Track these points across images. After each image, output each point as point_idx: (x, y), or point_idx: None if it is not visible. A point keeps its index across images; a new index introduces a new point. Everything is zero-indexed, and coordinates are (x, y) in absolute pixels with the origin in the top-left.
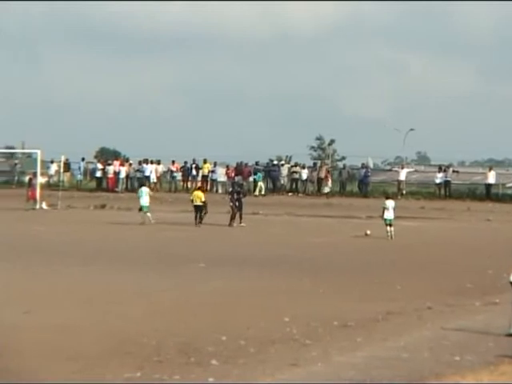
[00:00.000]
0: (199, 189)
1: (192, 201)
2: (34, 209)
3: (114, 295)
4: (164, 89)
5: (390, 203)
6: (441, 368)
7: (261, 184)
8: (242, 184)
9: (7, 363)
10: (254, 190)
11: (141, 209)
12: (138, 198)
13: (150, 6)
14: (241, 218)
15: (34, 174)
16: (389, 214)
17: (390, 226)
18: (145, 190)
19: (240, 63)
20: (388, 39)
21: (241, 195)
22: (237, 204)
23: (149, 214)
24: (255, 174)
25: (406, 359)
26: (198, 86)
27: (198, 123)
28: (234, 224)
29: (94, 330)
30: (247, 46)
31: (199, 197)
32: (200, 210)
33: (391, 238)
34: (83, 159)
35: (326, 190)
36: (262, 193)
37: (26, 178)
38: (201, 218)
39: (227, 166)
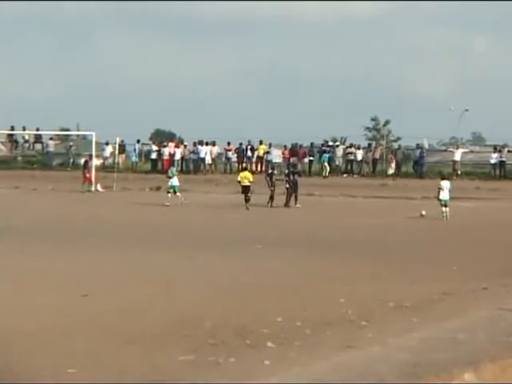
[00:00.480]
0: (246, 169)
1: (239, 182)
2: (89, 191)
3: (171, 277)
4: (220, 71)
5: (446, 184)
6: (497, 350)
7: (326, 165)
8: (297, 165)
9: (64, 346)
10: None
11: (171, 190)
12: (170, 177)
13: None
14: (296, 199)
15: (90, 156)
16: (444, 195)
17: (446, 206)
18: (174, 170)
19: (298, 44)
20: (449, 19)
21: (296, 176)
22: (292, 185)
23: (179, 194)
24: (321, 155)
25: (461, 340)
26: (255, 68)
27: (254, 105)
28: (291, 205)
29: (152, 313)
30: (305, 28)
31: (247, 177)
32: (248, 190)
33: (446, 218)
34: (138, 141)
35: (390, 171)
36: (327, 174)
37: (82, 161)
38: (248, 199)
39: (285, 147)
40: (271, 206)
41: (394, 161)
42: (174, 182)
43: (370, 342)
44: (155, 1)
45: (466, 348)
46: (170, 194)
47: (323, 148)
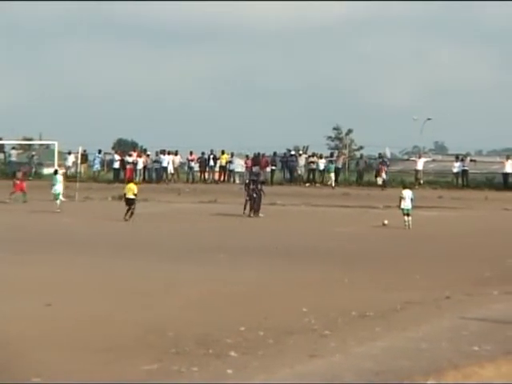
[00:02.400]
0: (131, 181)
1: (124, 194)
2: (24, 201)
3: (135, 287)
4: (182, 81)
5: (407, 193)
6: (459, 358)
7: (332, 175)
8: (259, 174)
9: (28, 355)
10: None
11: (58, 196)
12: (52, 185)
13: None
14: (259, 208)
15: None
16: (406, 204)
17: (408, 215)
18: (59, 177)
19: (259, 54)
20: (409, 28)
21: (259, 185)
22: (254, 195)
23: (58, 202)
24: (328, 166)
25: (424, 349)
26: (216, 78)
27: (216, 114)
28: (252, 214)
29: (116, 323)
30: (267, 38)
31: (132, 189)
32: (132, 203)
33: (409, 227)
34: (100, 151)
35: (380, 181)
36: (333, 185)
37: (45, 170)
38: (131, 213)
39: (247, 156)
40: (249, 216)
41: (384, 171)
42: (58, 188)
43: (332, 351)
44: (120, 10)
45: (429, 356)
46: (58, 201)
47: (285, 158)
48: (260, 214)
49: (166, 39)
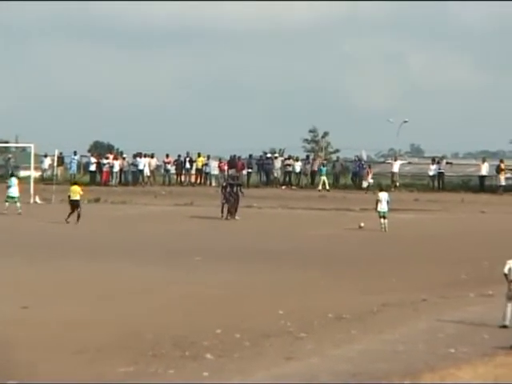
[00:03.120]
0: (76, 183)
1: (69, 196)
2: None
3: (110, 290)
4: (157, 83)
5: (384, 195)
6: (436, 360)
7: (324, 179)
8: (237, 177)
9: (5, 356)
10: (312, 183)
11: (10, 200)
12: (8, 187)
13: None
14: (236, 211)
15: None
16: (382, 207)
17: (384, 218)
18: (14, 180)
19: (235, 56)
20: (385, 30)
21: (236, 188)
22: (231, 198)
23: (18, 205)
24: (320, 168)
25: (401, 352)
26: (192, 79)
27: (192, 117)
28: (229, 217)
29: (94, 325)
30: (242, 39)
31: (76, 191)
32: (78, 205)
33: (385, 230)
34: (75, 153)
35: (365, 184)
36: (327, 188)
37: (21, 173)
38: (78, 215)
39: (219, 160)
40: (226, 219)
41: (370, 174)
42: (14, 192)
43: (309, 354)
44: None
45: (406, 359)
46: (7, 204)
47: (261, 161)
48: (236, 217)
49: (141, 40)
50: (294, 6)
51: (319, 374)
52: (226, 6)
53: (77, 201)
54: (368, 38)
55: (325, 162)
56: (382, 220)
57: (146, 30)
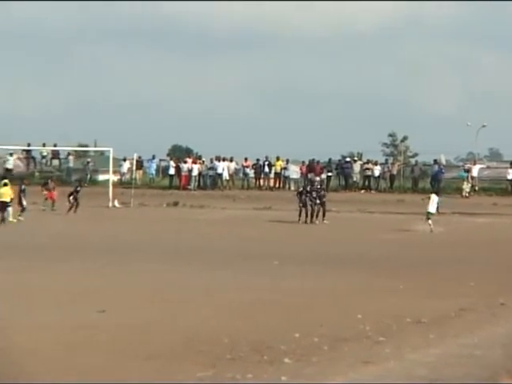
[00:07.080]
0: (6, 185)
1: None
2: (49, 209)
3: (187, 294)
4: (237, 88)
5: (435, 198)
6: None
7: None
8: (318, 181)
9: (83, 361)
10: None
11: None
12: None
13: (224, 5)
14: (317, 215)
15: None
16: (430, 207)
17: (429, 219)
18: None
19: (313, 62)
20: (459, 36)
21: (316, 193)
22: (311, 202)
23: (10, 209)
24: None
25: (478, 356)
26: (271, 85)
27: (271, 122)
28: (316, 221)
29: (168, 329)
30: (319, 46)
31: (7, 193)
32: (6, 207)
33: (431, 231)
34: (154, 157)
35: (467, 188)
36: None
37: (99, 177)
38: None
39: (303, 162)
40: (305, 222)
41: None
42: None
43: (387, 358)
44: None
45: (484, 363)
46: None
47: (340, 164)
48: (325, 221)
49: (214, 47)
50: (363, 10)
51: (396, 379)
52: (292, 12)
53: (7, 203)
54: (441, 44)
55: (402, 165)
56: (429, 221)
57: (219, 36)
